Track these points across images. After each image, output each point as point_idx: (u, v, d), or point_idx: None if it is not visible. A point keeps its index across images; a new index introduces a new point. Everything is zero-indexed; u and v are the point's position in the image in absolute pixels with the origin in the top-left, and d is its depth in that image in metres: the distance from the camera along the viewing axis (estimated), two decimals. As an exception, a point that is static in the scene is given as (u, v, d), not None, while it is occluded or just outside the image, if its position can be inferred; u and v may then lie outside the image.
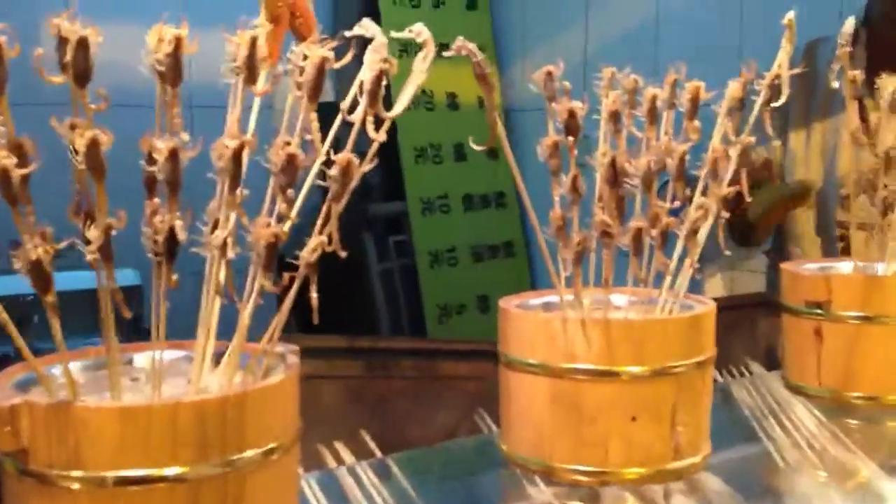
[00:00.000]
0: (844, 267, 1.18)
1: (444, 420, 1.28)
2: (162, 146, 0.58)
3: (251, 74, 0.60)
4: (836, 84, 1.02)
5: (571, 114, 0.77)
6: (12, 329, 0.60)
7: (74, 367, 0.71)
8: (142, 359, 0.75)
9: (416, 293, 3.90)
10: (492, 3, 4.24)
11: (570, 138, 0.78)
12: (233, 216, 0.65)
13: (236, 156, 0.61)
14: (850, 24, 1.00)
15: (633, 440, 0.85)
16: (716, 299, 0.95)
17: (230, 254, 0.64)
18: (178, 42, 0.56)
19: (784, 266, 1.16)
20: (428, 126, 3.77)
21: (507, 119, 4.17)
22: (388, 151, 3.80)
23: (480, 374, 1.25)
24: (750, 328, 1.50)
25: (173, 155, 0.58)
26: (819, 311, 1.09)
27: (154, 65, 0.58)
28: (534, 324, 0.86)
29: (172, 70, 0.57)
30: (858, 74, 1.05)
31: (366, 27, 0.72)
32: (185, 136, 0.58)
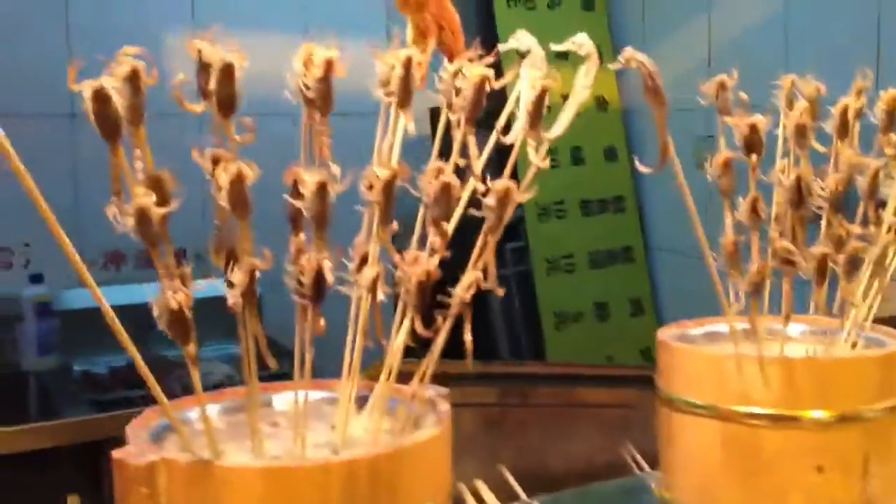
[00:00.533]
0: None
1: (585, 450, 1.20)
2: (309, 180, 0.52)
3: (406, 97, 0.54)
4: None
5: (753, 129, 0.68)
6: (144, 369, 0.55)
7: (212, 410, 0.66)
8: (282, 401, 0.70)
9: (532, 300, 3.82)
10: (609, 2, 4.12)
11: (754, 156, 0.69)
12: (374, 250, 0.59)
13: (388, 187, 0.55)
14: None
15: (817, 493, 0.75)
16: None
17: (380, 295, 0.58)
18: (328, 66, 0.50)
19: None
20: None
21: (626, 120, 4.05)
22: (504, 158, 3.73)
23: (623, 401, 1.16)
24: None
25: (322, 190, 0.52)
26: None
27: (301, 89, 0.53)
28: (702, 361, 0.78)
29: (323, 97, 0.51)
30: None
31: (520, 39, 0.66)
32: (336, 169, 0.52)
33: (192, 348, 0.51)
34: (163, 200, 0.52)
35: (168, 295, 0.50)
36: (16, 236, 2.69)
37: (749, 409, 0.75)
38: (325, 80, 0.51)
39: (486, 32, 3.86)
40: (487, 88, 0.58)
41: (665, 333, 0.84)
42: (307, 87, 0.51)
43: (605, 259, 4.00)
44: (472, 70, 0.56)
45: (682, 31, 3.81)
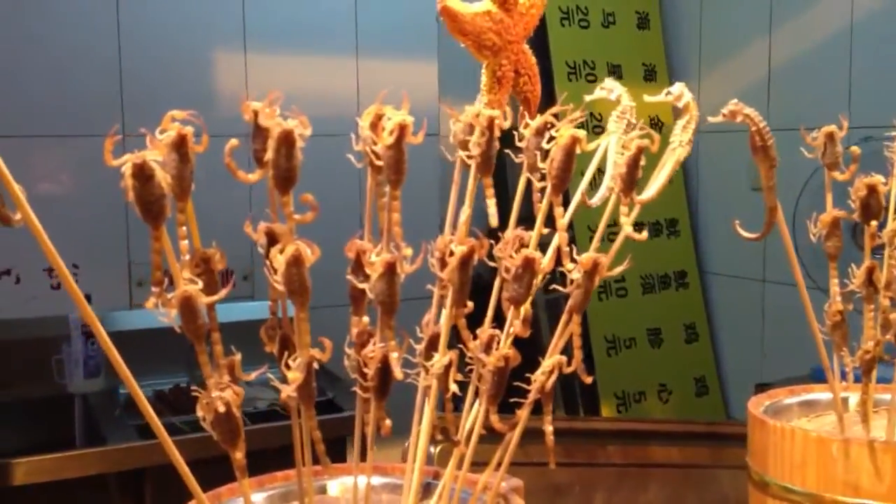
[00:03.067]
0: None
1: (655, 514, 1.11)
2: (376, 260, 0.46)
3: (487, 164, 0.47)
4: None
5: (872, 190, 0.60)
6: (179, 460, 0.49)
7: (255, 500, 0.60)
8: (336, 486, 0.63)
9: (583, 325, 3.71)
10: (665, 20, 4.03)
11: (873, 223, 0.61)
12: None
13: (464, 264, 0.48)
14: None
15: None
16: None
17: (453, 386, 0.51)
18: (401, 131, 0.43)
19: None
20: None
21: (754, 142, 3.93)
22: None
23: (692, 460, 1.07)
24: None
25: (391, 272, 0.45)
26: None
27: (369, 155, 0.46)
28: (804, 443, 0.69)
29: (394, 166, 0.44)
30: None
31: (609, 88, 0.58)
32: (407, 251, 0.45)
33: (240, 456, 0.45)
34: (211, 283, 0.45)
35: (215, 395, 0.44)
36: (65, 257, 2.67)
37: (858, 501, 0.67)
38: (397, 147, 0.44)
39: (538, 51, 3.79)
40: (578, 151, 0.51)
41: (756, 406, 0.76)
42: (375, 155, 0.44)
43: (658, 283, 3.90)
44: (563, 130, 0.49)
45: (740, 51, 3.70)
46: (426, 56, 3.15)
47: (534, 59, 0.65)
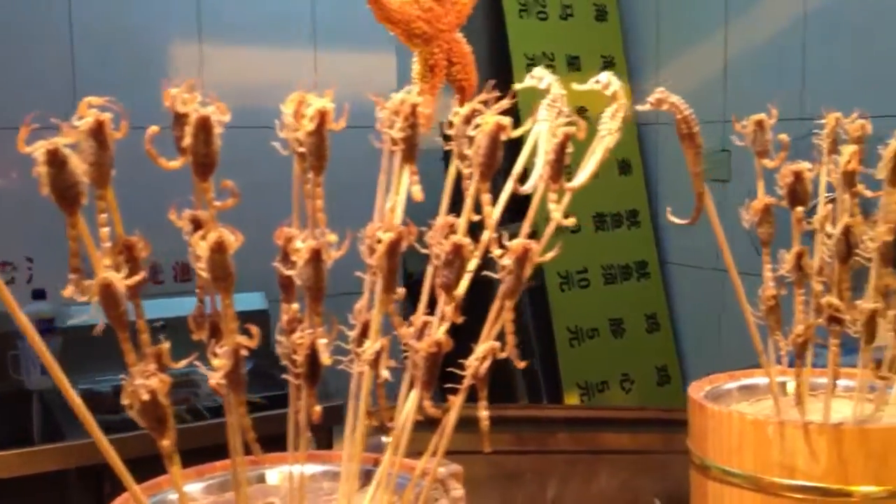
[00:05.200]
0: None
1: (605, 499, 1.12)
2: (302, 246, 0.46)
3: (410, 152, 0.47)
4: None
5: (798, 177, 0.61)
6: (117, 463, 0.48)
7: (194, 490, 0.60)
8: (276, 475, 0.63)
9: (546, 316, 3.74)
10: (622, 12, 4.05)
11: (799, 209, 0.62)
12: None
13: (392, 251, 0.49)
14: None
15: (867, 574, 0.68)
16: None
17: (384, 372, 0.51)
18: (322, 118, 0.43)
19: None
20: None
21: (640, 133, 3.97)
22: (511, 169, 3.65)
23: (644, 446, 1.08)
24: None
25: (316, 258, 0.45)
26: None
27: (293, 144, 0.46)
28: (741, 426, 0.70)
29: (315, 152, 0.44)
30: None
31: (539, 76, 0.59)
32: (332, 237, 0.45)
33: (167, 443, 0.45)
34: (136, 270, 0.45)
35: (139, 383, 0.43)
36: (18, 251, 2.63)
37: (794, 482, 0.68)
38: (318, 133, 0.44)
39: (496, 43, 3.79)
40: (504, 138, 0.51)
41: (697, 391, 0.77)
42: (298, 143, 0.44)
43: (619, 274, 3.92)
44: (487, 118, 0.49)
45: (697, 44, 3.73)
46: (384, 48, 3.14)
47: (468, 48, 0.65)
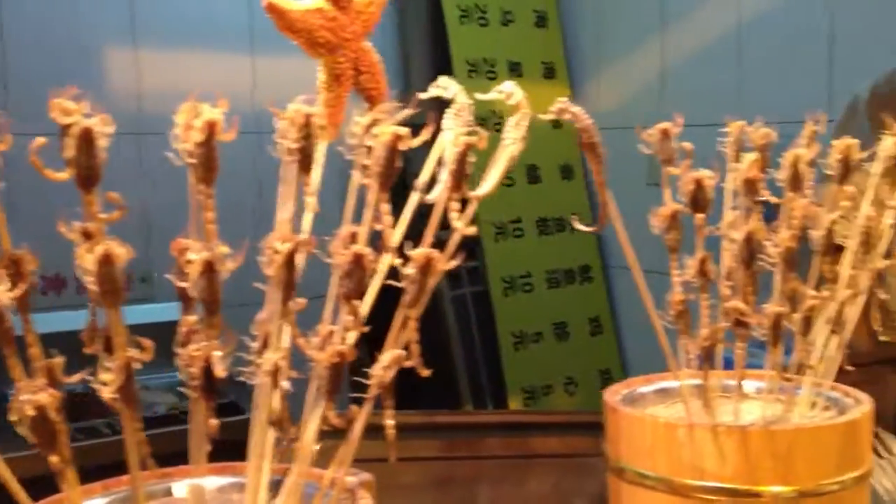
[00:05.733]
0: None
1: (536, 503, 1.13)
2: (195, 258, 0.45)
3: (305, 161, 0.47)
4: None
5: (699, 184, 0.62)
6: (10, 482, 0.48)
7: (100, 505, 0.59)
8: (182, 488, 0.63)
9: (490, 321, 3.76)
10: (563, 18, 4.09)
11: (699, 215, 0.63)
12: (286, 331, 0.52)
13: (289, 261, 0.49)
14: None
15: (777, 572, 0.69)
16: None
17: (284, 382, 0.51)
18: (211, 129, 0.43)
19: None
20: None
21: (582, 140, 4.00)
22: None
23: (576, 450, 1.10)
24: (877, 388, 1.32)
25: (209, 269, 0.45)
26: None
27: (183, 155, 0.46)
28: (652, 429, 0.71)
29: (204, 164, 0.44)
30: None
31: (444, 86, 0.59)
32: (224, 248, 0.45)
33: (55, 459, 0.44)
34: (23, 284, 0.44)
35: (25, 398, 0.43)
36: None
37: (703, 483, 0.69)
38: (208, 144, 0.43)
39: (438, 49, 3.80)
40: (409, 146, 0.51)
41: (612, 395, 0.78)
42: (189, 154, 0.44)
43: (563, 278, 3.95)
44: (383, 127, 0.49)
45: (636, 50, 3.78)
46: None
47: (376, 57, 0.65)
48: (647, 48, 3.75)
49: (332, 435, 0.59)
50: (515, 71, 3.92)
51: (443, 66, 3.71)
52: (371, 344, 0.59)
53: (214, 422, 0.48)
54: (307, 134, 0.47)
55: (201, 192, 0.45)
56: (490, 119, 3.17)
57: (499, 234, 3.77)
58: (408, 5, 3.82)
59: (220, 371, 0.46)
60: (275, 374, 0.50)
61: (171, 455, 0.64)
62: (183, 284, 0.47)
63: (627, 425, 0.74)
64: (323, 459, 0.59)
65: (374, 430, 0.92)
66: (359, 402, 0.56)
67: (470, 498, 1.10)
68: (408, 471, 1.08)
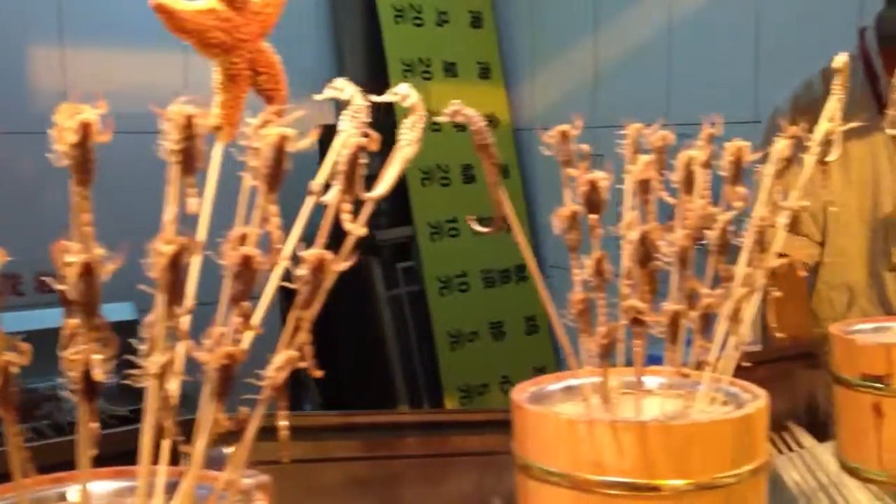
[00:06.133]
0: (901, 328, 1.04)
1: (455, 503, 1.14)
2: (72, 260, 0.45)
3: (188, 163, 0.47)
4: (891, 132, 0.89)
5: (594, 186, 0.63)
6: None
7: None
8: (76, 493, 0.62)
9: (426, 320, 3.77)
10: (498, 19, 4.11)
11: (593, 216, 0.64)
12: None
13: (173, 264, 0.48)
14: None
15: (676, 564, 0.71)
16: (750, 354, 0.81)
17: (172, 385, 0.50)
18: (86, 131, 0.43)
19: (835, 331, 1.01)
20: (435, 147, 3.63)
21: (516, 138, 4.04)
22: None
23: (494, 447, 1.10)
24: (789, 384, 1.36)
25: (87, 272, 0.45)
26: (878, 385, 0.95)
27: (60, 156, 0.45)
28: (554, 426, 0.72)
29: (80, 165, 0.43)
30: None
31: (340, 87, 0.59)
32: (99, 250, 0.45)
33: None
34: None
35: None
36: None
37: (603, 478, 0.70)
38: (83, 146, 0.43)
39: (373, 50, 3.80)
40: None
41: (520, 392, 0.79)
42: (65, 155, 0.44)
43: (498, 278, 3.98)
44: (270, 129, 0.49)
45: (569, 51, 3.82)
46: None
47: (276, 58, 0.65)
48: (581, 49, 3.80)
49: (236, 437, 0.59)
50: (450, 71, 3.93)
51: (378, 66, 3.71)
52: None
53: (95, 425, 0.48)
54: (189, 135, 0.46)
55: (77, 193, 0.44)
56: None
57: (434, 234, 3.78)
58: (342, 5, 3.81)
59: (98, 374, 0.46)
60: (161, 376, 0.50)
61: (109, 456, 0.63)
62: (60, 287, 0.46)
63: (532, 422, 0.74)
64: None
65: (294, 432, 0.90)
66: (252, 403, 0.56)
67: (390, 498, 1.10)
68: (325, 471, 1.08)
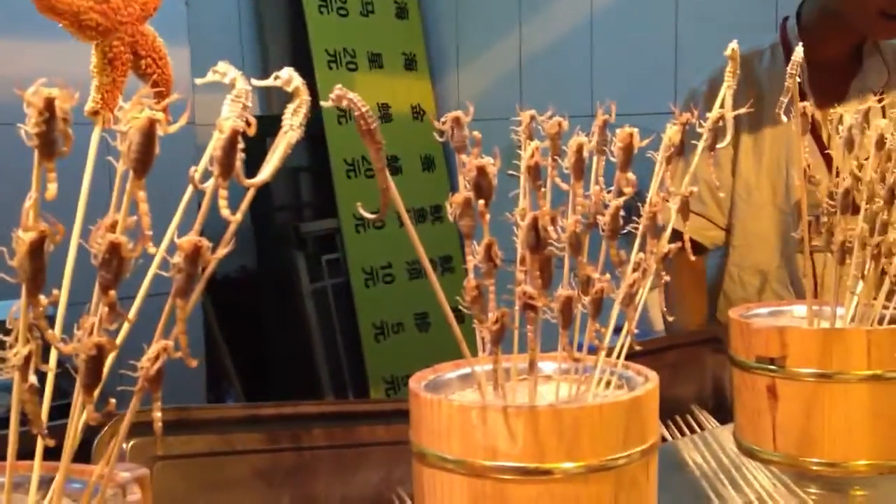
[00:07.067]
0: (798, 312, 1.07)
1: (365, 493, 1.13)
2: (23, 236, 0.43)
3: (47, 147, 0.46)
4: (785, 119, 0.91)
5: (482, 172, 0.63)
6: None
7: None
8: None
9: (351, 312, 3.75)
10: (423, 11, 4.10)
11: (481, 201, 0.64)
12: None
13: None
14: (799, 52, 0.88)
15: (568, 547, 0.72)
16: (656, 340, 0.83)
17: (31, 377, 0.49)
18: (51, 106, 0.41)
19: (732, 315, 1.04)
20: (360, 139, 3.60)
21: (359, 127, 4.03)
22: (319, 166, 3.64)
23: (401, 437, 1.10)
24: (696, 368, 1.39)
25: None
26: (772, 367, 0.97)
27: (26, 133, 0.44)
28: (448, 412, 0.73)
29: (44, 144, 0.42)
30: (808, 107, 0.93)
31: (223, 71, 0.58)
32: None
33: None
34: None
35: None
36: None
37: (496, 463, 0.71)
38: (48, 124, 0.42)
39: (297, 40, 3.76)
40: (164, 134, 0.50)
41: (417, 381, 0.79)
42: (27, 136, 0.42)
43: (423, 269, 3.98)
44: (136, 113, 0.48)
45: (495, 41, 3.84)
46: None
47: (160, 41, 0.63)
48: (506, 39, 3.81)
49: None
50: (376, 62, 3.91)
51: (302, 56, 3.67)
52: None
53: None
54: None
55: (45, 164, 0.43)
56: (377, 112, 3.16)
57: (359, 226, 3.76)
58: (265, -6, 3.76)
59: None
60: (24, 368, 0.48)
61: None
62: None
63: (427, 410, 0.74)
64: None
65: (200, 425, 0.90)
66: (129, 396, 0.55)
67: (299, 490, 1.09)
68: (230, 465, 1.06)
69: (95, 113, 0.60)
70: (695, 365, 1.38)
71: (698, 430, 1.21)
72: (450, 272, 4.03)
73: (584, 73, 3.57)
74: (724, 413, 1.33)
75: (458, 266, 4.09)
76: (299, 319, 3.59)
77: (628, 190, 0.71)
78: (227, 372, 3.37)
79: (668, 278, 0.76)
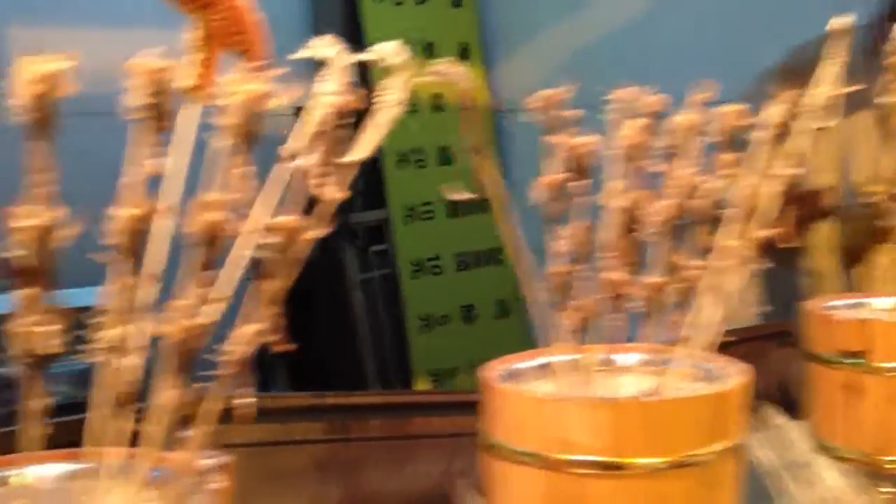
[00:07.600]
0: (881, 304, 1.03)
1: (422, 485, 1.12)
2: (26, 224, 0.43)
3: (159, 118, 0.45)
4: (883, 99, 0.87)
5: (578, 151, 0.61)
6: None
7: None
8: (19, 478, 0.59)
9: (397, 304, 3.74)
10: (478, -1, 4.07)
11: (579, 183, 0.62)
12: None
13: (134, 229, 0.46)
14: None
15: (648, 543, 0.70)
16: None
17: (135, 359, 0.48)
18: (50, 82, 0.41)
19: (810, 307, 1.01)
20: (411, 129, 3.60)
21: (494, 121, 4.02)
22: (370, 156, 3.63)
23: (459, 428, 1.09)
24: (765, 362, 1.36)
25: (42, 236, 0.43)
26: (854, 361, 0.94)
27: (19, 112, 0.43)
28: (522, 403, 0.71)
29: (39, 122, 0.41)
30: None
31: (315, 48, 0.57)
32: (55, 213, 0.42)
33: None
34: None
35: None
36: None
37: (573, 457, 0.69)
38: (43, 100, 0.41)
39: (352, 29, 3.75)
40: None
41: (489, 370, 0.77)
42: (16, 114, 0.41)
43: (471, 261, 3.96)
44: (239, 86, 0.47)
45: (550, 31, 3.80)
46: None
47: (253, 17, 0.63)
48: (561, 29, 3.77)
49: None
50: (429, 51, 3.89)
51: (356, 45, 3.65)
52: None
53: (43, 403, 0.45)
54: (160, 90, 0.44)
55: (35, 150, 0.42)
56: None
57: (408, 217, 3.75)
58: (320, -17, 3.76)
59: (44, 348, 0.44)
60: (116, 351, 0.48)
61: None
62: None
63: (500, 401, 0.73)
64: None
65: (262, 414, 0.88)
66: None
67: (355, 481, 1.09)
68: (287, 455, 1.05)
69: (194, 88, 0.59)
70: (762, 359, 1.35)
71: (767, 426, 1.19)
72: (497, 264, 4.00)
73: (644, 61, 3.49)
74: (790, 408, 1.30)
75: (505, 259, 4.07)
76: (347, 310, 3.60)
77: (725, 172, 0.69)
78: (274, 360, 3.39)
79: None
